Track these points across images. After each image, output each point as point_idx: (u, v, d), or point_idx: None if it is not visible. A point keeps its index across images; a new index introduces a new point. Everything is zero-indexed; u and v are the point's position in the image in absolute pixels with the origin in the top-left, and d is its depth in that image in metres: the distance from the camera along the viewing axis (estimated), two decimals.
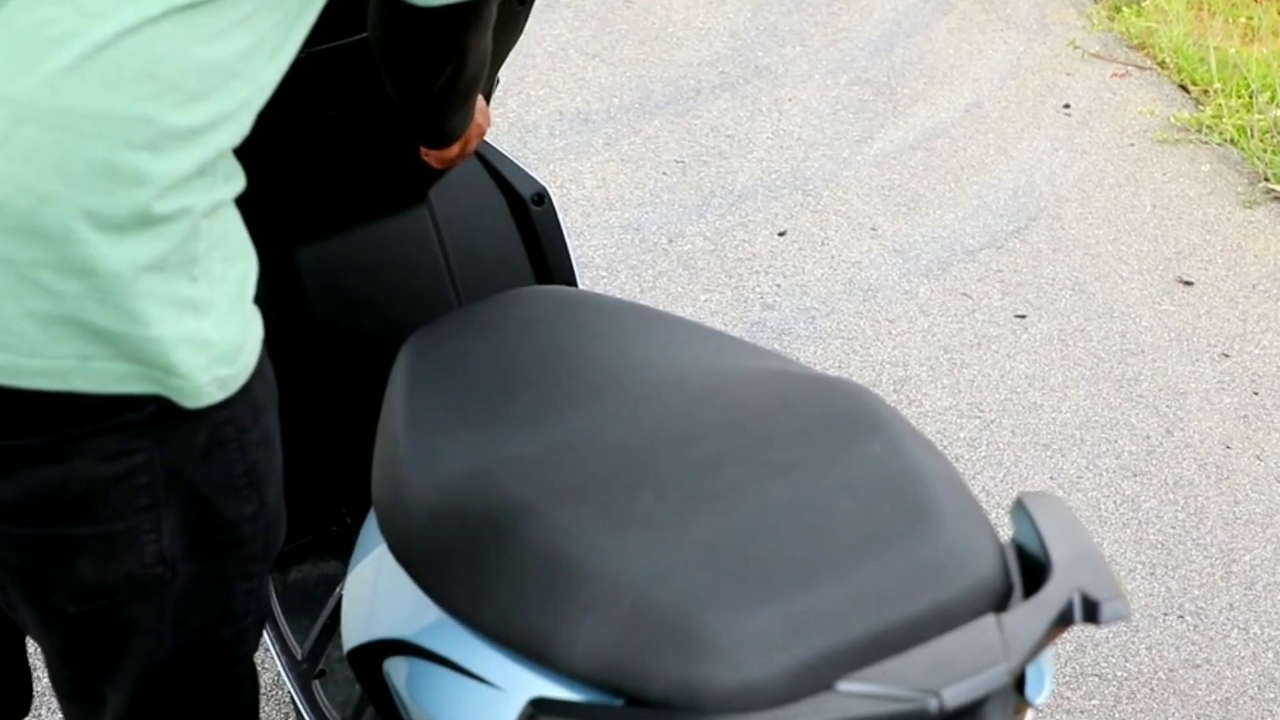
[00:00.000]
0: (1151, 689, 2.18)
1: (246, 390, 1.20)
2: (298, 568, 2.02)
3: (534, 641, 1.26)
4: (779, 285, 3.01)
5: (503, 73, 1.92)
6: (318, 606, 1.94)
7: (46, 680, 1.61)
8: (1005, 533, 1.33)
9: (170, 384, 1.14)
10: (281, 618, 1.95)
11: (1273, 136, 3.40)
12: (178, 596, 1.24)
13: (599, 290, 2.95)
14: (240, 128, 1.14)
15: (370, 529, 1.63)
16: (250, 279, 1.22)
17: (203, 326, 1.14)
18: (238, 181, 1.18)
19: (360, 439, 1.86)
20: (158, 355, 1.12)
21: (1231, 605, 2.32)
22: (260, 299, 1.68)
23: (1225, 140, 3.46)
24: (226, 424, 1.19)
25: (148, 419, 1.14)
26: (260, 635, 1.38)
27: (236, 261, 1.19)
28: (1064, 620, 1.15)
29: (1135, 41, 3.88)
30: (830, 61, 3.81)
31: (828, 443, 1.32)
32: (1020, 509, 1.28)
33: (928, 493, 1.25)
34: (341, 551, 1.79)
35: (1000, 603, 1.19)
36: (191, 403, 1.15)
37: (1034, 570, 1.23)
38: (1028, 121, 3.56)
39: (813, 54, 3.84)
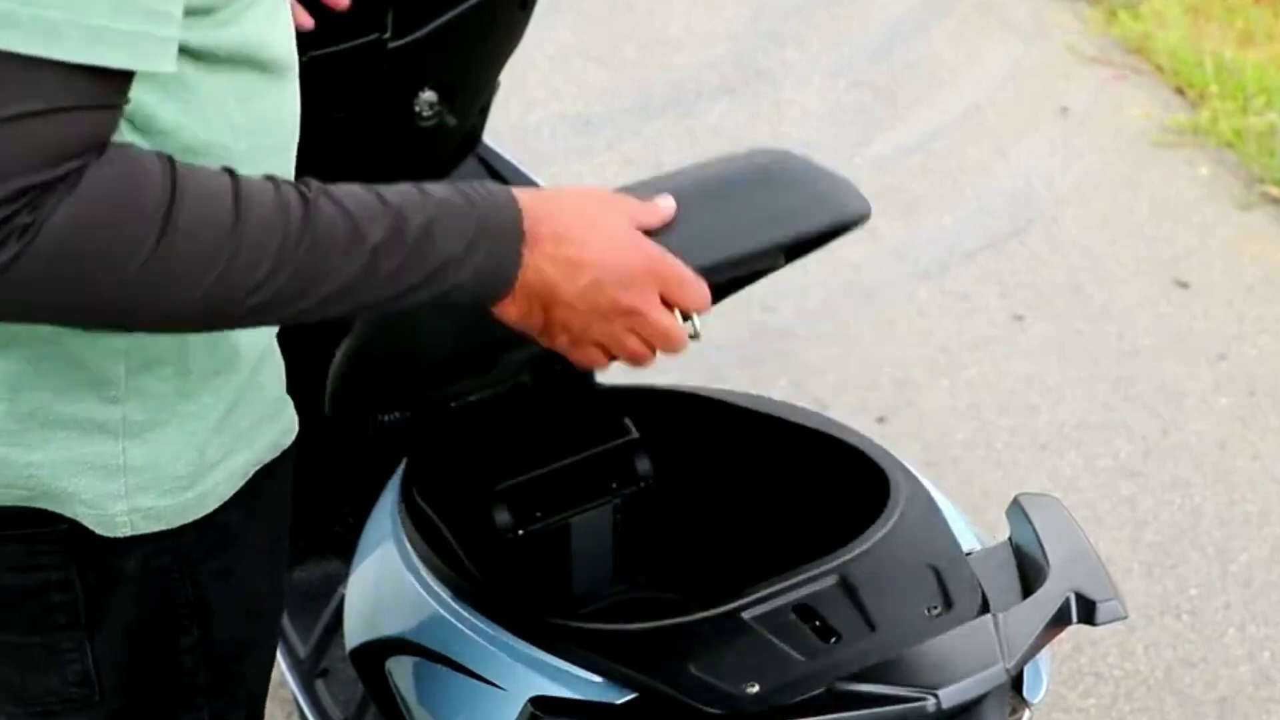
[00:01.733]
0: (1149, 688, 2.20)
1: (206, 522, 1.06)
2: (301, 567, 2.03)
3: None
4: (778, 287, 3.03)
5: (504, 76, 1.92)
6: (320, 606, 1.95)
7: None
8: (1003, 533, 1.35)
9: (76, 509, 1.02)
10: (285, 617, 1.96)
11: (1268, 140, 3.41)
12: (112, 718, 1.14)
13: None
14: None
15: (372, 529, 1.64)
16: (239, 398, 1.05)
17: (120, 450, 1.00)
18: None
19: (362, 441, 1.87)
20: (45, 481, 1.00)
21: (1228, 605, 2.33)
22: None
23: (1222, 143, 3.47)
24: (165, 553, 1.06)
25: (60, 537, 1.03)
26: None
27: (205, 378, 1.02)
28: (1061, 620, 1.17)
29: (1132, 45, 3.89)
30: (830, 65, 3.82)
31: None
32: (1018, 510, 1.29)
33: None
34: (344, 551, 1.80)
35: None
36: (104, 531, 1.02)
37: (1032, 571, 1.25)
38: (1026, 124, 3.57)
39: (812, 57, 3.85)
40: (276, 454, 1.11)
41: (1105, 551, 2.42)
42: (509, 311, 0.98)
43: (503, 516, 1.56)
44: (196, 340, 1.01)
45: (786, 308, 2.96)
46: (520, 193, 0.96)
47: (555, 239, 0.96)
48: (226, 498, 1.06)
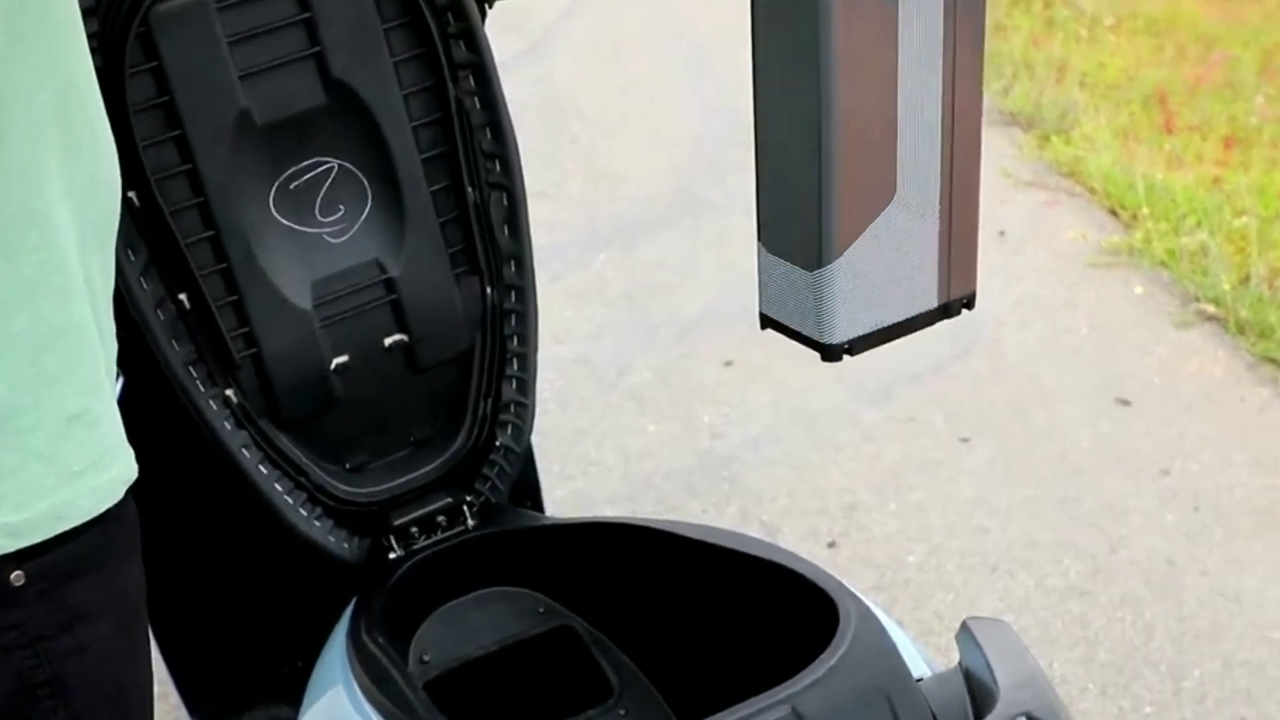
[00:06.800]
0: None
1: (50, 595, 1.09)
2: (249, 713, 1.99)
3: None
4: (726, 415, 3.05)
5: None
6: None
7: None
8: (954, 658, 1.35)
9: None
10: None
11: (1200, 259, 3.50)
12: None
13: (548, 424, 2.97)
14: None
15: (321, 672, 1.62)
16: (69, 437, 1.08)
17: None
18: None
19: (310, 582, 1.85)
20: None
21: None
22: None
23: (1156, 263, 3.55)
24: (11, 629, 1.08)
25: None
26: None
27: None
28: None
29: (1065, 169, 3.98)
30: None
31: None
32: (967, 635, 1.30)
33: None
34: (292, 696, 1.77)
35: None
36: None
37: (982, 695, 1.25)
38: None
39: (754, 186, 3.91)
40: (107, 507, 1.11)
41: (1059, 671, 2.42)
42: None
43: None
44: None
45: (733, 434, 2.98)
46: None
47: None
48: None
